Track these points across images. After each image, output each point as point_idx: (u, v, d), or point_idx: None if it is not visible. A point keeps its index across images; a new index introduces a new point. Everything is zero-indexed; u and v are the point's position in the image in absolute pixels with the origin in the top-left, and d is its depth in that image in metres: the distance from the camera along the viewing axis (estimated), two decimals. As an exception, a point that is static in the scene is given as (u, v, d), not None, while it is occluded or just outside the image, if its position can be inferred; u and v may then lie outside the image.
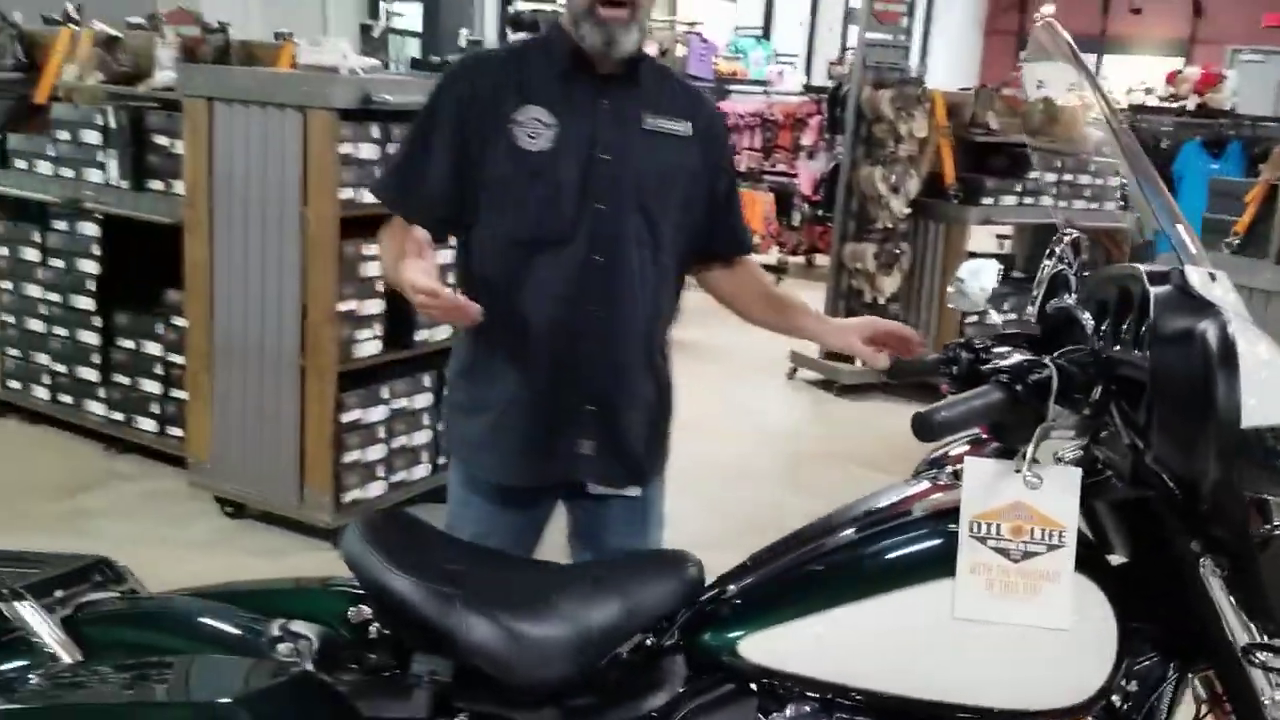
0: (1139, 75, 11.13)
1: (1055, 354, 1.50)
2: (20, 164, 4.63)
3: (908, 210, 6.22)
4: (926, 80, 6.51)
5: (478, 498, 2.12)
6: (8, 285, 4.77)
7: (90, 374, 4.57)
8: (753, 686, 1.52)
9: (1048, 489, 1.46)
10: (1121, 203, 6.04)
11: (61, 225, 4.58)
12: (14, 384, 4.85)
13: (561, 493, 2.16)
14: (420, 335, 4.01)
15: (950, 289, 1.84)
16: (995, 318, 1.78)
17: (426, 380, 4.06)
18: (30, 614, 1.50)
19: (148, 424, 4.45)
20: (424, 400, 4.07)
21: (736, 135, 10.03)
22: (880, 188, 6.13)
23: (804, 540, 1.63)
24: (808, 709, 1.50)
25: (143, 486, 4.31)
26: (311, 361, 3.73)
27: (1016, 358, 1.52)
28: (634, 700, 1.53)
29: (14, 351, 4.82)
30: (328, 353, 3.70)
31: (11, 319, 4.80)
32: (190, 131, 3.85)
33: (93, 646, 1.52)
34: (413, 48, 10.99)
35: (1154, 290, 1.43)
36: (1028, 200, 6.37)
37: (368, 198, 3.68)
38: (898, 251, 6.26)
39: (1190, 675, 1.60)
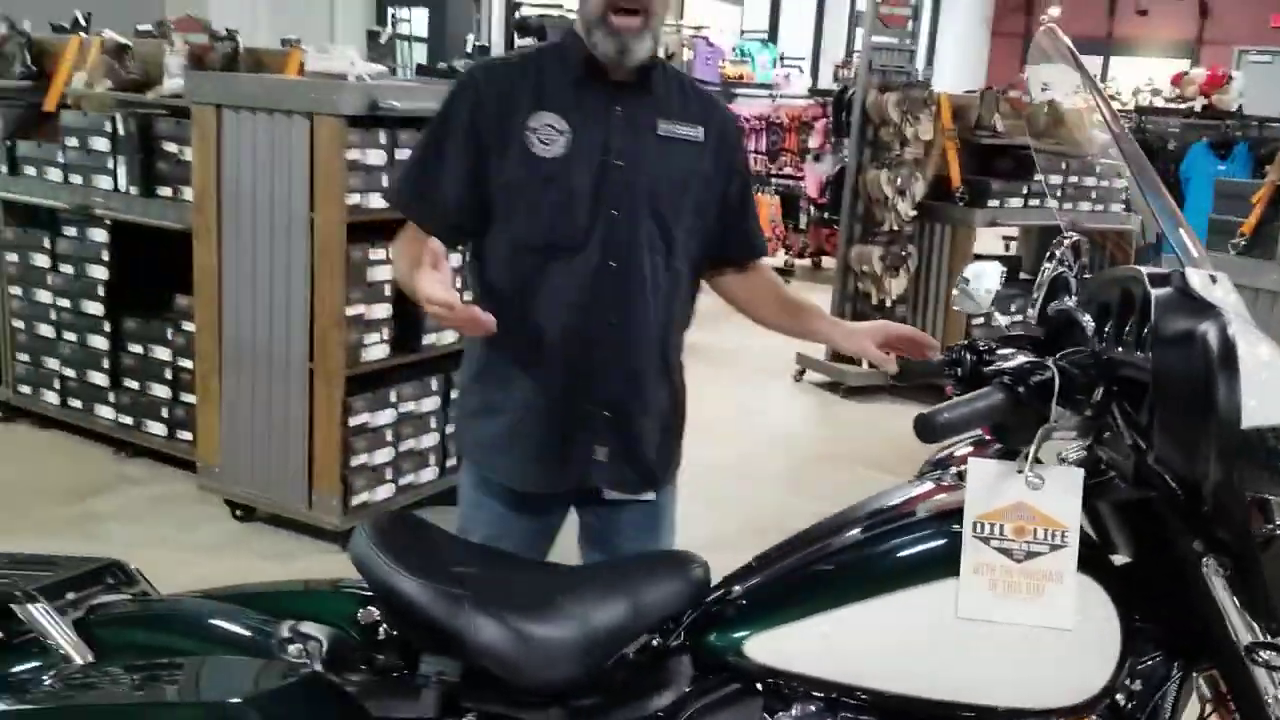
0: (1146, 77, 11.10)
1: (1057, 355, 1.51)
2: (30, 171, 4.66)
3: (914, 213, 6.23)
4: (934, 82, 6.54)
5: (491, 500, 2.12)
6: (18, 291, 4.80)
7: (100, 379, 4.60)
8: (758, 687, 1.53)
9: (1050, 489, 1.47)
10: (1125, 205, 6.04)
11: (71, 232, 4.61)
12: (24, 389, 4.87)
13: (575, 498, 2.16)
14: (428, 339, 4.03)
15: (955, 291, 1.85)
16: (1000, 319, 1.79)
17: (434, 384, 4.08)
18: (43, 616, 1.51)
19: (157, 428, 4.48)
20: (431, 404, 4.08)
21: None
22: (886, 190, 6.14)
23: (808, 541, 1.63)
24: (813, 709, 1.51)
25: (152, 490, 4.33)
26: (320, 366, 3.75)
27: (1019, 359, 1.53)
28: (640, 700, 1.54)
29: (24, 357, 4.85)
30: (336, 357, 3.72)
31: (22, 325, 4.83)
32: (199, 138, 3.88)
33: (104, 648, 1.53)
34: (420, 54, 11.03)
35: (1155, 292, 1.44)
36: (1034, 202, 6.36)
37: (375, 203, 3.71)
38: (904, 254, 6.26)
39: (1195, 675, 1.60)
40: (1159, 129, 8.42)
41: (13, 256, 4.79)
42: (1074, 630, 1.45)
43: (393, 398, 3.93)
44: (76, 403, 4.71)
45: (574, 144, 1.96)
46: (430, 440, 4.11)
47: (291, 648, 1.51)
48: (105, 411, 4.62)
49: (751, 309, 2.24)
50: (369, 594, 1.58)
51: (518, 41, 8.28)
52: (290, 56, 4.54)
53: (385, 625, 1.57)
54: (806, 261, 10.53)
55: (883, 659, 1.49)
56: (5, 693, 1.39)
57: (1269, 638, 1.43)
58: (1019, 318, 1.74)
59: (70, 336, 4.66)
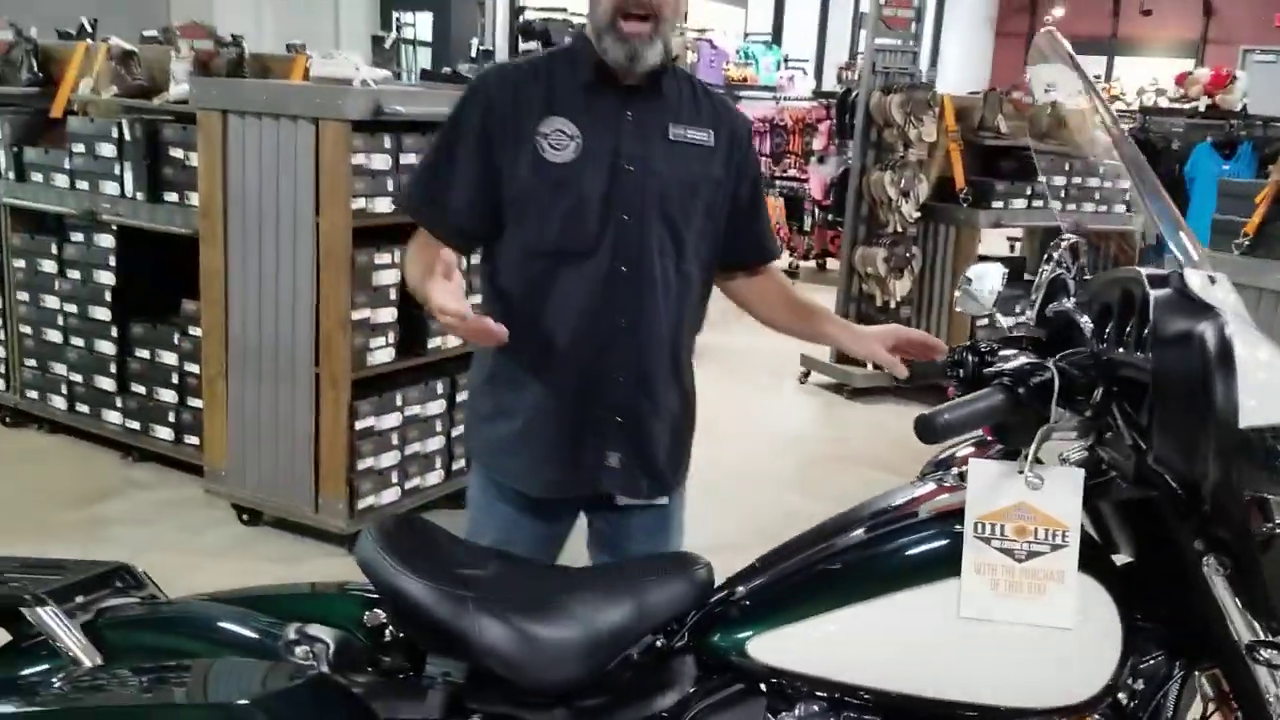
0: (1150, 77, 11.09)
1: (1057, 356, 1.52)
2: (37, 177, 4.69)
3: (918, 214, 6.24)
4: (938, 83, 6.54)
5: (501, 504, 2.12)
6: (25, 297, 4.82)
7: (107, 384, 4.62)
8: (762, 687, 1.53)
9: (1051, 490, 1.47)
10: (1127, 207, 6.03)
11: (78, 237, 4.63)
12: (32, 394, 4.90)
13: (585, 503, 2.15)
14: (433, 343, 4.04)
15: (958, 292, 1.85)
16: (1003, 321, 1.80)
17: (440, 387, 4.09)
18: (52, 619, 1.53)
19: (164, 433, 4.50)
20: (437, 407, 4.10)
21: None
22: (890, 192, 6.15)
23: (811, 542, 1.64)
24: (816, 709, 1.51)
25: (160, 494, 4.35)
26: (326, 369, 3.76)
27: (1019, 360, 1.53)
28: (644, 701, 1.55)
29: (32, 362, 4.87)
30: (341, 360, 3.73)
31: (29, 330, 4.85)
32: (205, 144, 3.90)
33: (113, 650, 1.54)
34: (424, 58, 11.05)
35: (1154, 293, 1.45)
36: (1038, 203, 6.36)
37: (380, 207, 3.72)
38: (908, 255, 6.27)
39: (1197, 673, 1.61)
40: (1163, 129, 8.40)
41: (20, 262, 4.82)
42: (1075, 630, 1.46)
43: (398, 401, 3.95)
44: (84, 407, 4.73)
45: (585, 149, 1.96)
46: (436, 443, 4.12)
47: (298, 650, 1.53)
48: (112, 416, 4.64)
49: (761, 312, 2.24)
50: (375, 596, 1.59)
51: (522, 45, 8.31)
52: (295, 62, 4.56)
53: (391, 627, 1.58)
54: (811, 263, 10.54)
55: (885, 659, 1.50)
56: (16, 695, 1.41)
57: (1270, 636, 1.44)
58: (1022, 319, 1.75)
59: (77, 341, 4.69)
